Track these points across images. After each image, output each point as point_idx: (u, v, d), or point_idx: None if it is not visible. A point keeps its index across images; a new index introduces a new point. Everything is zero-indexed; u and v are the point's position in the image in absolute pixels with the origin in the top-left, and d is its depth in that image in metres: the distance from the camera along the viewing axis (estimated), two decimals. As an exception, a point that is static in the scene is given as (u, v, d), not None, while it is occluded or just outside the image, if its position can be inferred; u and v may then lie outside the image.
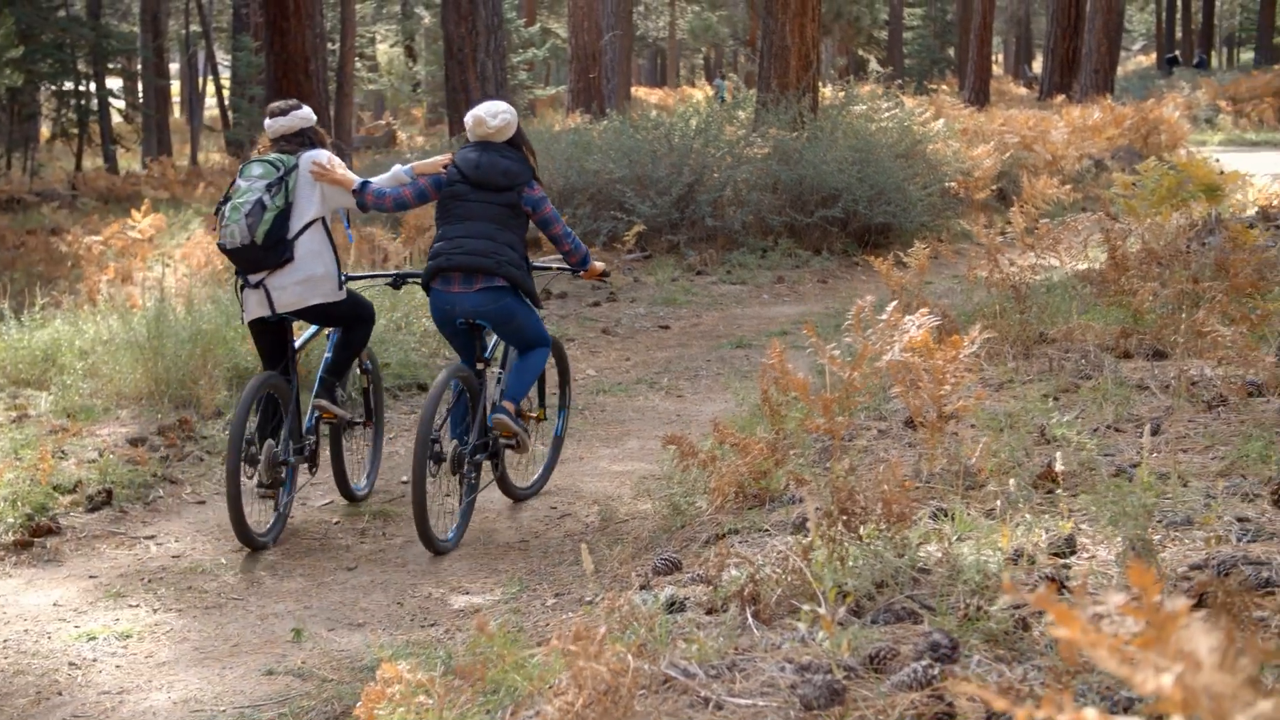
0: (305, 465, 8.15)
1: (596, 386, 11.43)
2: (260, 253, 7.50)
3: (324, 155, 7.76)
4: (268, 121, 7.89)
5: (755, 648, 4.34)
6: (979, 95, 47.28)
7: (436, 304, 7.79)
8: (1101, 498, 5.08)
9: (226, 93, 37.75)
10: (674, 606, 4.99)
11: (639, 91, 66.46)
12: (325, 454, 8.41)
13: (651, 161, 18.04)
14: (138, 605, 6.83)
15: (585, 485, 8.73)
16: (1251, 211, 14.66)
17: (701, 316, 14.73)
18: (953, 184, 20.31)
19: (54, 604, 6.87)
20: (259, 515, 7.72)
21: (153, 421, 9.71)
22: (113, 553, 7.64)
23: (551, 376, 8.95)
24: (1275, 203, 14.35)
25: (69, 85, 33.77)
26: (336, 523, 8.13)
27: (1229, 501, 5.38)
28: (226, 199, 7.61)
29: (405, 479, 8.98)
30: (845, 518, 4.92)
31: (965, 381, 6.06)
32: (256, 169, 7.65)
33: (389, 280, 8.74)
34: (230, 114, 36.97)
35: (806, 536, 4.98)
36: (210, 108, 47.95)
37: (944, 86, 67.39)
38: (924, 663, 3.91)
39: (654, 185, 17.76)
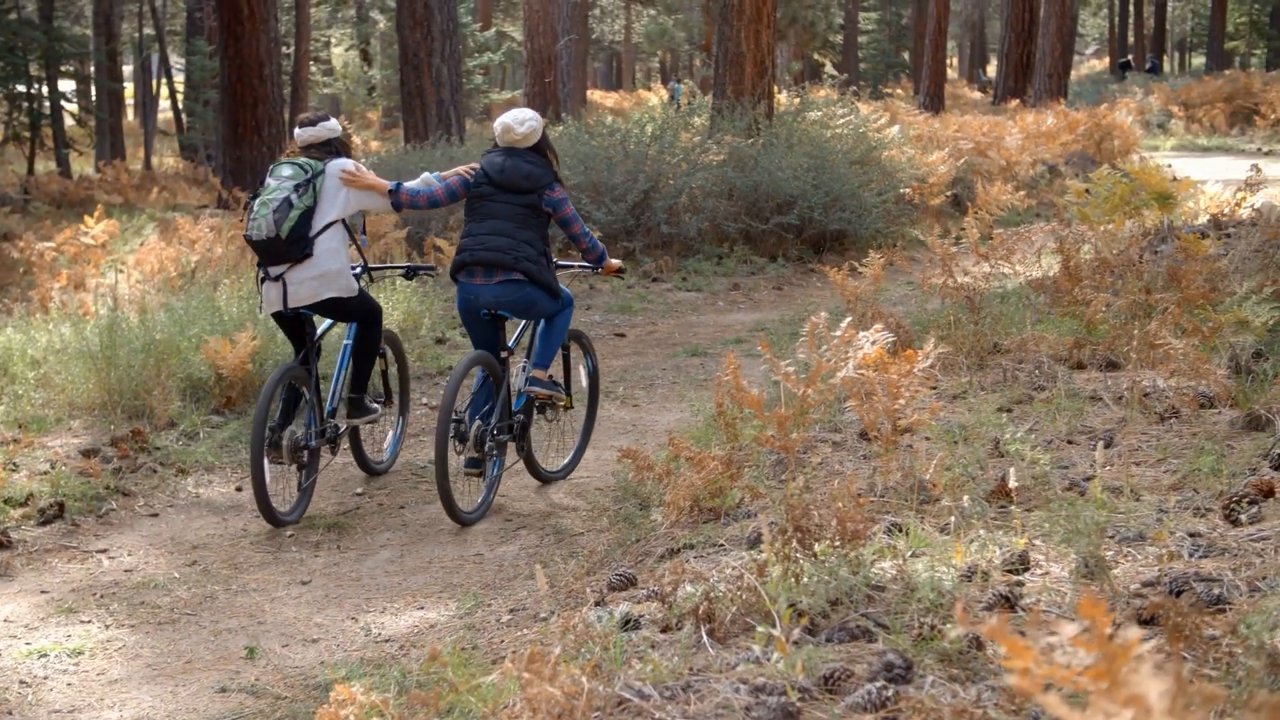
0: (327, 448, 8.71)
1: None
2: (284, 246, 8.12)
3: (351, 164, 8.43)
4: (297, 131, 8.56)
5: (710, 668, 4.33)
6: (934, 100, 47.46)
7: (462, 295, 8.41)
8: (1055, 515, 5.09)
9: (180, 97, 37.55)
10: (629, 624, 4.98)
11: (595, 95, 66.47)
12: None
13: (607, 168, 18.04)
14: (90, 621, 6.79)
15: (540, 497, 8.71)
16: (1203, 219, 14.73)
17: (657, 324, 14.73)
18: (907, 190, 20.35)
19: (4, 620, 6.82)
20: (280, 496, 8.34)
21: (105, 432, 9.66)
22: (64, 567, 7.59)
23: (580, 371, 9.54)
24: (1226, 211, 14.41)
25: (21, 88, 33.51)
26: (291, 536, 8.08)
27: (1181, 516, 5.40)
28: (255, 195, 8.29)
29: (360, 490, 8.96)
30: (800, 535, 4.93)
31: (919, 395, 6.08)
32: (286, 170, 8.30)
33: (402, 271, 9.66)
34: (184, 118, 36.78)
35: (761, 553, 4.98)
36: (164, 110, 47.71)
37: (899, 91, 67.61)
38: (878, 684, 3.91)
39: (609, 192, 17.75)
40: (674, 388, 11.59)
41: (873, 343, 5.46)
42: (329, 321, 9.06)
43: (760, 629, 4.31)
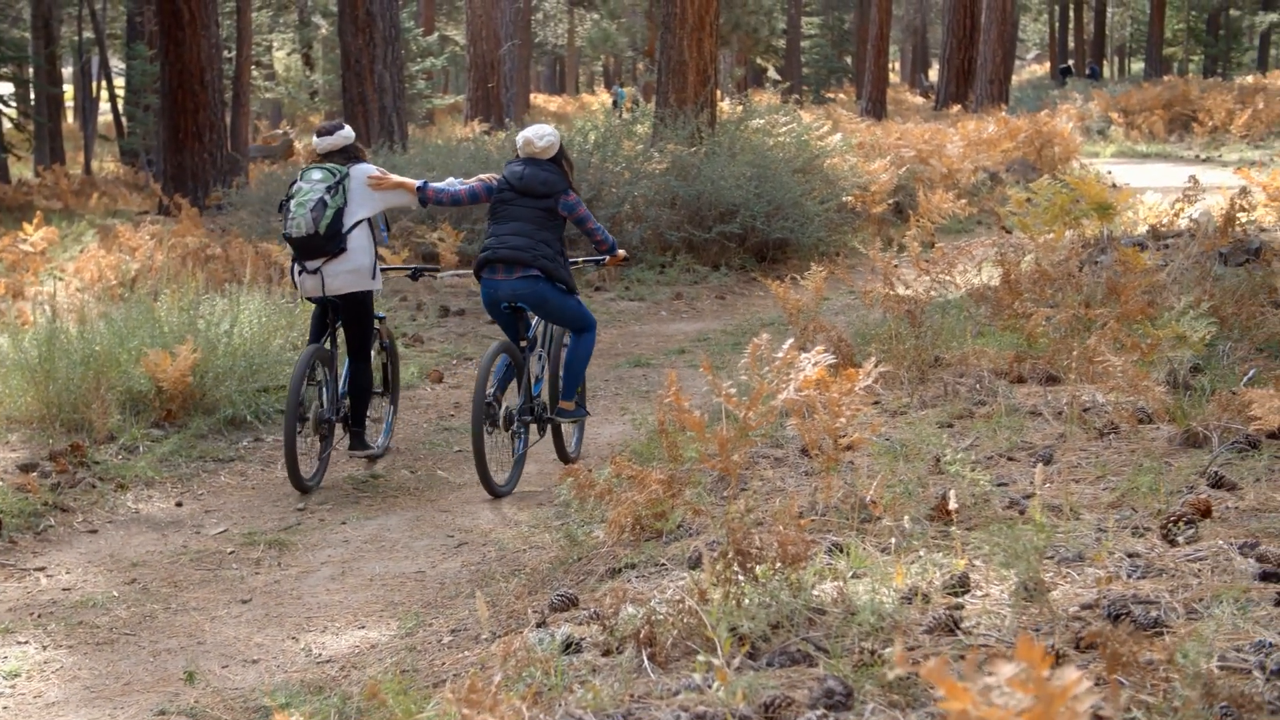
0: (341, 425, 9.60)
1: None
2: (321, 241, 9.10)
3: (375, 169, 9.46)
4: (316, 140, 9.52)
5: (651, 694, 4.33)
6: (876, 105, 47.67)
7: (485, 289, 9.33)
8: (994, 537, 5.11)
9: (121, 101, 37.27)
10: (570, 647, 4.97)
11: (538, 99, 66.45)
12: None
13: (549, 177, 18.01)
14: (27, 642, 6.72)
15: (482, 512, 8.68)
16: (1142, 229, 14.83)
17: (600, 334, 14.66)
18: (850, 198, 20.43)
19: (-60, 641, 6.75)
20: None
21: (44, 447, 9.57)
22: (1, 586, 7.51)
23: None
24: (1165, 221, 14.51)
25: (-43, 92, 33.24)
26: (231, 552, 8.03)
27: (1120, 536, 5.43)
28: (289, 197, 9.20)
29: (301, 505, 8.91)
30: (741, 558, 4.93)
31: (861, 413, 6.09)
32: (316, 174, 9.24)
33: (409, 272, 10.44)
34: (125, 122, 36.51)
35: (702, 573, 4.98)
36: (104, 113, 47.35)
37: (842, 96, 67.82)
38: (818, 712, 3.92)
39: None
40: (616, 400, 11.60)
41: (814, 364, 5.47)
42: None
43: (701, 657, 4.31)
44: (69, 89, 57.53)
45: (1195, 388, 7.95)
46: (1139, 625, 4.42)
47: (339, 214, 9.12)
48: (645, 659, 4.66)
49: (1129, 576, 4.96)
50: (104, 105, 45.63)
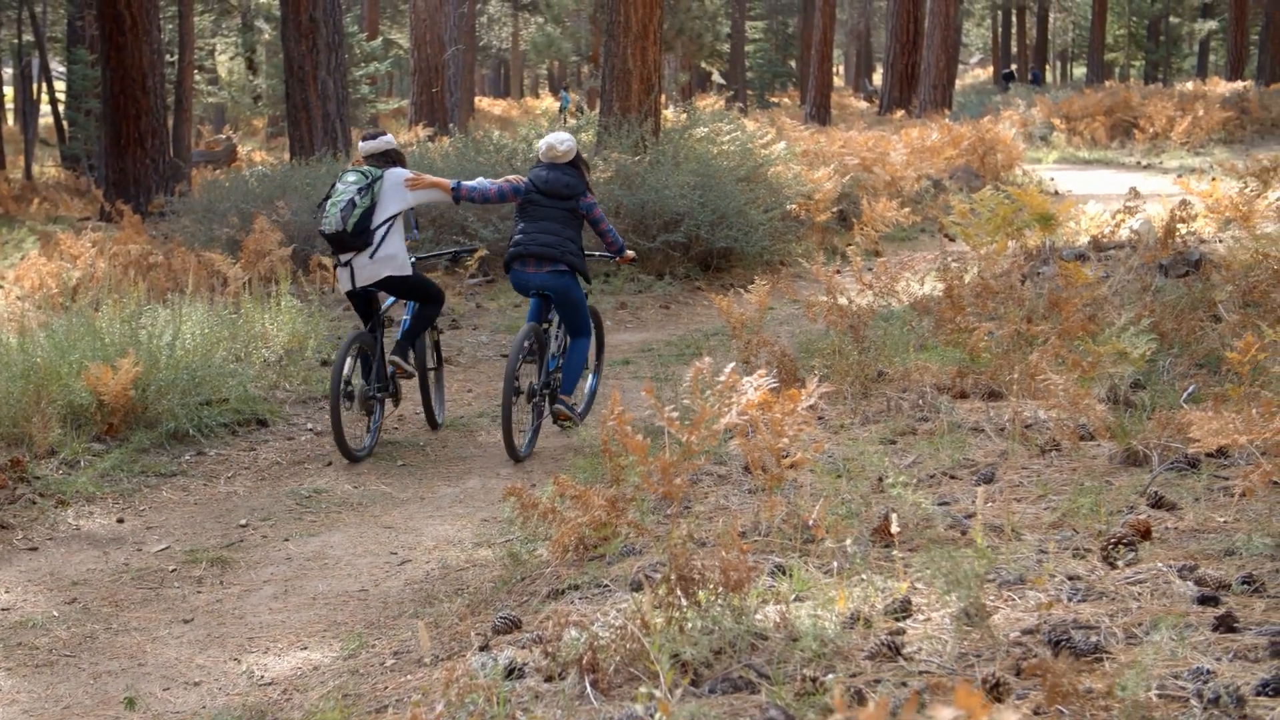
0: (389, 400, 10.83)
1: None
2: (349, 237, 10.15)
3: (409, 173, 10.47)
4: (360, 144, 10.65)
5: (593, 723, 4.33)
6: (820, 111, 47.79)
7: (515, 280, 10.56)
8: (936, 563, 5.12)
9: (62, 105, 36.99)
10: (513, 673, 4.96)
11: (483, 103, 66.35)
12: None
13: (494, 185, 17.99)
14: (-36, 664, 6.66)
15: (426, 528, 8.65)
16: (1084, 240, 14.93)
17: (544, 344, 14.72)
18: (794, 207, 20.45)
19: (-123, 664, 6.68)
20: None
21: (-18, 462, 9.49)
22: (-61, 606, 7.45)
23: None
24: (1107, 231, 14.62)
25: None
26: (174, 570, 7.97)
27: (1061, 558, 5.46)
28: (327, 197, 10.30)
29: (244, 522, 8.87)
30: (683, 583, 4.93)
31: (804, 433, 6.11)
32: (351, 177, 10.31)
33: (448, 257, 11.91)
34: (66, 127, 36.24)
35: (646, 596, 4.99)
36: (45, 115, 46.99)
37: (786, 99, 67.95)
38: (761, 742, 3.93)
39: (496, 210, 17.70)
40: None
41: (756, 388, 5.48)
42: (391, 299, 10.95)
43: (644, 689, 4.30)
44: (9, 91, 57.16)
45: (1136, 404, 8.01)
46: (1079, 652, 4.45)
47: (366, 213, 10.15)
48: (588, 685, 4.67)
49: (1070, 600, 4.99)
50: (45, 108, 45.27)
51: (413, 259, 10.64)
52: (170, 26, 35.17)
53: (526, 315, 10.75)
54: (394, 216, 10.33)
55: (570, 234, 10.47)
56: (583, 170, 10.67)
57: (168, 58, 31.77)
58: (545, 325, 10.61)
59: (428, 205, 11.52)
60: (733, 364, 5.72)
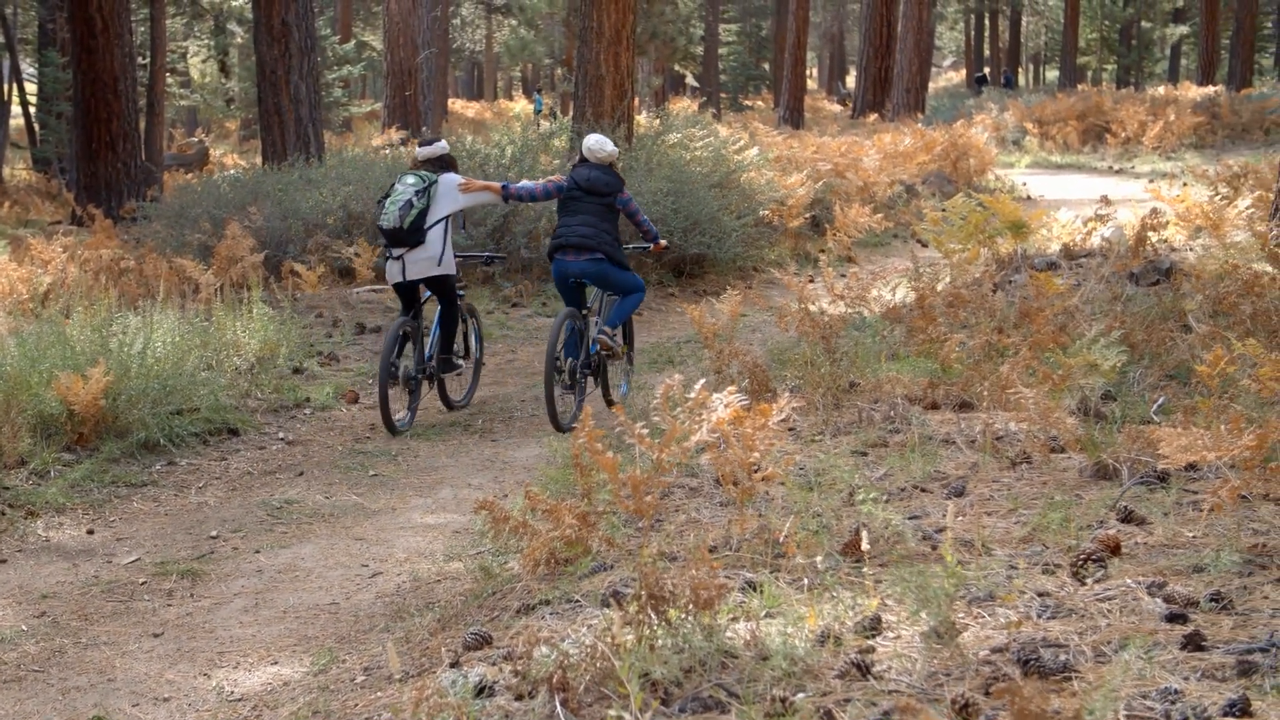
0: (427, 382, 11.88)
1: (410, 429, 11.33)
2: (405, 234, 11.25)
3: (461, 179, 11.62)
4: (418, 150, 11.87)
5: (563, 744, 4.32)
6: (794, 113, 47.84)
7: (556, 268, 11.67)
8: (906, 581, 5.13)
9: (33, 108, 36.80)
10: (483, 691, 4.95)
11: (456, 105, 66.24)
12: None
13: (467, 192, 17.97)
14: (-67, 680, 6.62)
15: (398, 540, 8.62)
16: (1055, 247, 14.97)
17: (517, 351, 14.71)
18: (767, 213, 20.48)
19: None
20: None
21: (-50, 473, 9.44)
22: (-93, 620, 7.41)
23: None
24: (1078, 239, 14.66)
25: None
26: (144, 583, 7.93)
27: (1030, 574, 5.47)
28: (386, 196, 11.43)
29: (214, 533, 8.83)
30: (654, 602, 4.93)
31: (775, 447, 6.11)
32: (410, 179, 11.44)
33: (484, 259, 12.72)
34: (37, 129, 36.05)
35: (616, 614, 4.98)
36: (16, 115, 46.74)
37: (759, 102, 67.94)
38: (730, 765, 3.93)
39: (469, 216, 17.68)
40: (533, 420, 11.59)
41: (726, 405, 5.48)
42: (428, 293, 11.86)
43: (614, 710, 4.30)
44: (-20, 93, 56.78)
45: (1107, 416, 8.03)
46: (1048, 671, 4.46)
47: (422, 214, 11.25)
48: (558, 705, 4.65)
49: (1039, 617, 4.99)
50: (15, 110, 45.03)
51: (456, 256, 11.90)
52: (142, 29, 35.00)
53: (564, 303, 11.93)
54: (446, 217, 11.46)
55: (607, 226, 11.57)
56: (618, 170, 11.90)
57: (139, 60, 31.62)
58: (585, 312, 11.77)
59: (478, 206, 12.95)
60: (703, 380, 5.73)
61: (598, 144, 11.75)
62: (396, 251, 11.39)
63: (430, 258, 11.35)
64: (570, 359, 11.46)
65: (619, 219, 11.79)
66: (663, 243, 12.29)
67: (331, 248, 17.70)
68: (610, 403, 11.82)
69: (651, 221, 17.75)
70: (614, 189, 11.64)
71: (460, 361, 12.05)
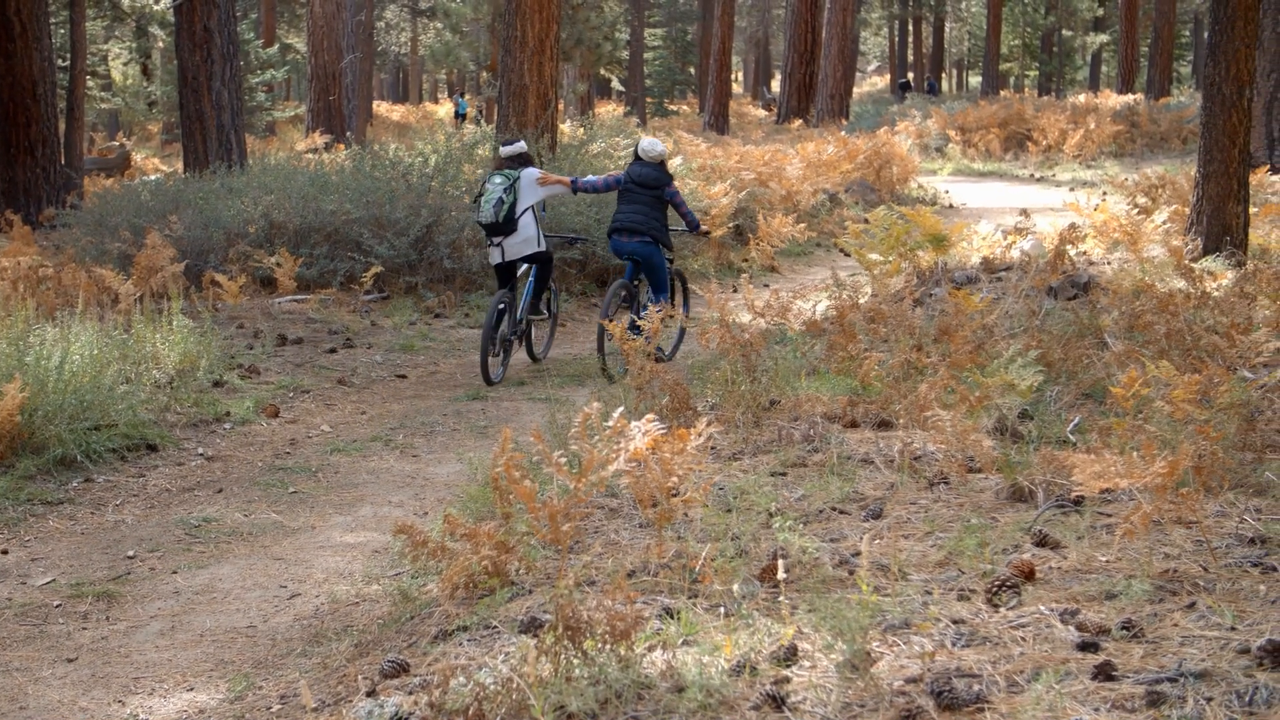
0: (518, 341, 14.25)
1: (330, 445, 11.25)
2: (501, 225, 13.69)
3: (539, 172, 14.04)
4: (501, 149, 14.29)
5: (478, 780, 4.31)
6: (719, 119, 47.99)
7: (614, 245, 14.06)
8: (821, 611, 5.15)
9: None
10: (399, 723, 4.94)
11: (381, 108, 66.05)
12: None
13: (389, 202, 17.94)
14: None
15: (317, 560, 8.56)
16: (976, 260, 15.07)
17: (439, 364, 14.67)
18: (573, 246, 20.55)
19: None
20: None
21: None
22: None
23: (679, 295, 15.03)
24: (998, 252, 14.77)
25: None
26: (58, 605, 7.84)
27: (946, 600, 5.50)
28: (480, 195, 13.89)
29: (131, 553, 8.74)
30: (570, 633, 4.93)
31: (694, 472, 6.13)
32: (498, 179, 13.82)
33: (570, 239, 15.77)
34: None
35: (533, 639, 4.98)
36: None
37: (685, 107, 68.05)
38: (644, 802, 3.93)
39: (392, 226, 17.65)
40: (455, 435, 11.55)
41: (644, 433, 5.49)
42: (524, 266, 14.22)
43: (527, 748, 4.30)
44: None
45: (1024, 435, 8.10)
46: (961, 702, 4.49)
47: (511, 207, 13.63)
48: (474, 738, 4.65)
49: (954, 646, 5.02)
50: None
51: (545, 236, 14.26)
52: (62, 32, 34.69)
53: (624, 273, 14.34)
54: (529, 206, 13.79)
55: (656, 214, 13.87)
56: (666, 167, 14.18)
57: (59, 63, 31.34)
58: (636, 283, 14.05)
59: (553, 195, 14.84)
60: (621, 409, 5.73)
61: (650, 145, 14.13)
62: (495, 239, 13.81)
63: (527, 239, 13.83)
64: (628, 316, 13.41)
65: (666, 207, 14.00)
66: (704, 228, 15.23)
67: (253, 257, 17.58)
68: (660, 359, 12.94)
69: (574, 233, 18.02)
70: (662, 183, 13.96)
71: (545, 311, 14.60)
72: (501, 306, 13.74)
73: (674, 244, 14.32)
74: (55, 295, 15.25)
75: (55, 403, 10.40)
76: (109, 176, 32.76)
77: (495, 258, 13.96)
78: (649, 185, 13.92)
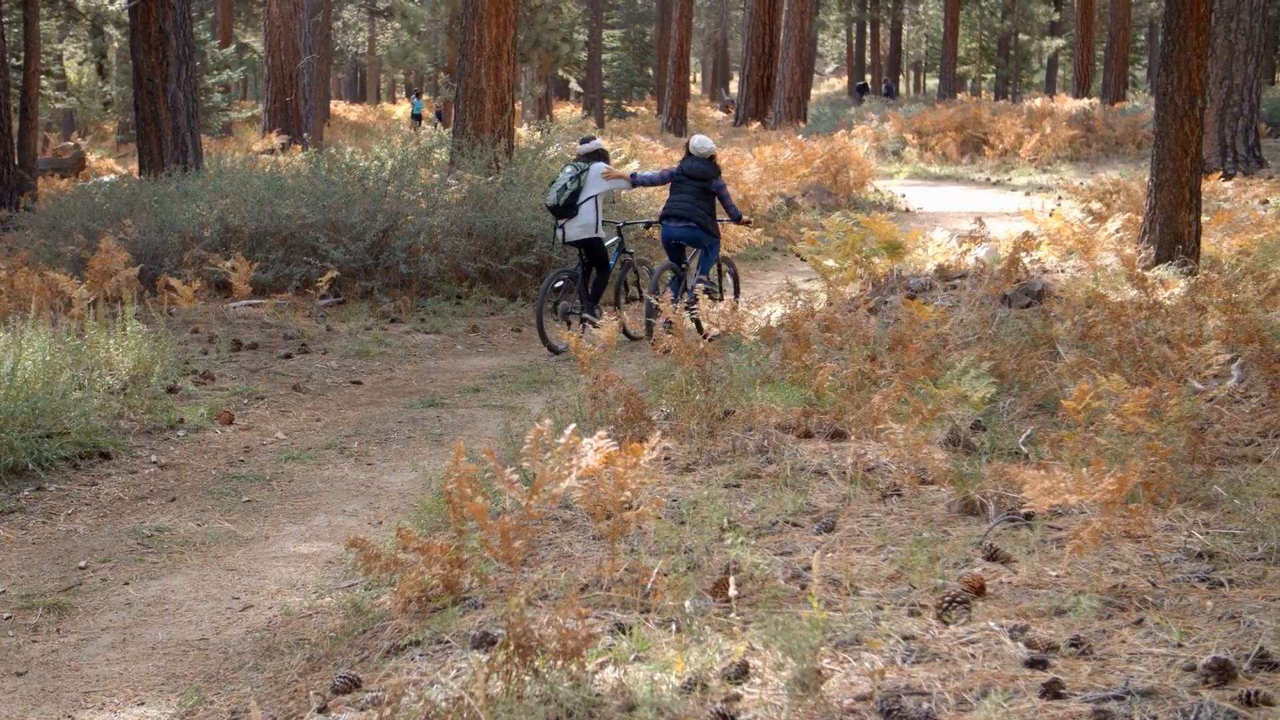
0: (579, 321, 15.53)
1: (285, 453, 11.20)
2: (563, 209, 15.33)
3: (606, 166, 15.65)
4: (579, 146, 15.96)
5: (428, 801, 4.31)
6: (676, 121, 48.03)
7: (664, 231, 15.47)
8: (772, 627, 5.17)
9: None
10: (350, 741, 4.94)
11: (338, 108, 65.87)
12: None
13: (345, 206, 17.90)
14: None
15: (270, 570, 8.53)
16: (931, 267, 15.12)
17: (394, 370, 14.63)
18: (649, 231, 20.55)
19: None
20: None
21: None
22: None
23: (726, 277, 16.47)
24: (953, 260, 14.82)
25: None
26: (8, 618, 7.77)
27: (897, 615, 5.51)
28: (553, 183, 15.50)
29: (83, 564, 8.70)
30: (521, 651, 4.93)
31: (647, 485, 6.14)
32: (569, 169, 15.44)
33: (647, 223, 17.58)
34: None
35: (485, 656, 4.98)
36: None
37: (643, 108, 68.01)
38: (593, 825, 3.94)
39: (348, 230, 17.62)
40: (410, 443, 11.51)
41: (596, 449, 5.50)
42: (612, 251, 16.08)
43: (477, 770, 4.30)
44: None
45: (976, 446, 8.13)
46: (911, 719, 4.51)
47: (574, 194, 15.27)
48: (425, 757, 4.65)
49: (904, 662, 5.04)
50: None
51: (619, 224, 16.73)
52: (15, 31, 34.50)
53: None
54: (593, 196, 15.35)
55: (702, 204, 15.30)
56: (715, 161, 15.64)
57: (13, 63, 31.16)
58: (683, 266, 15.43)
59: (618, 188, 16.10)
60: (573, 425, 5.74)
61: (700, 142, 15.58)
62: (560, 221, 15.51)
63: (586, 224, 15.38)
64: (671, 296, 13.54)
65: (713, 199, 15.40)
66: (747, 219, 17.25)
67: (208, 261, 17.51)
68: (703, 334, 13.67)
69: (530, 238, 18.13)
70: (709, 176, 15.37)
71: (588, 318, 15.37)
72: (559, 284, 15.56)
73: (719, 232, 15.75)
74: (8, 299, 15.16)
75: (7, 410, 10.32)
76: (63, 177, 32.59)
77: (559, 238, 15.76)
78: (698, 178, 15.33)
